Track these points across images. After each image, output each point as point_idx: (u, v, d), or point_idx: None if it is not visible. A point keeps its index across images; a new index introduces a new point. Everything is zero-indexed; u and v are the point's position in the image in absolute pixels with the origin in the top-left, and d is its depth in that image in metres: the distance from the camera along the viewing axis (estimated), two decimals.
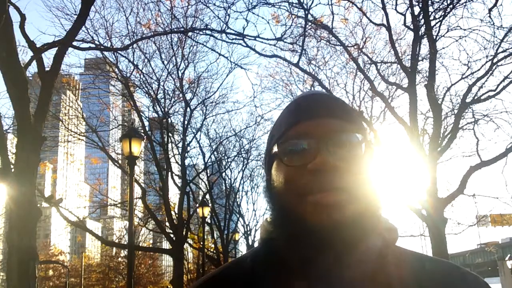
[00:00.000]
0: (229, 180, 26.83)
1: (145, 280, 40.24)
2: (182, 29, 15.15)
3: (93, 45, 14.44)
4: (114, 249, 39.38)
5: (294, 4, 12.26)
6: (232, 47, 37.68)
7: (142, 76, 18.07)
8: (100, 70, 18.79)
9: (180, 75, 18.58)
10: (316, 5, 12.36)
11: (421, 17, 11.18)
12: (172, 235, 17.02)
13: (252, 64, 60.45)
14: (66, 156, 23.14)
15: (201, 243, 18.55)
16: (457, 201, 11.76)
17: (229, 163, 25.90)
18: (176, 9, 14.95)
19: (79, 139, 18.13)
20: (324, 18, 12.72)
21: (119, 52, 16.13)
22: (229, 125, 30.77)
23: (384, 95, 13.20)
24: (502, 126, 11.64)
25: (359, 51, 13.44)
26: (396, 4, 11.48)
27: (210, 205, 19.13)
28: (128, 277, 9.03)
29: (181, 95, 19.01)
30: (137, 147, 8.75)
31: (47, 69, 8.22)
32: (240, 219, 29.91)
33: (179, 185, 19.49)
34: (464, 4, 11.13)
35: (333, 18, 12.17)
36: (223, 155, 24.90)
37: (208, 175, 24.52)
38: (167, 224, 18.59)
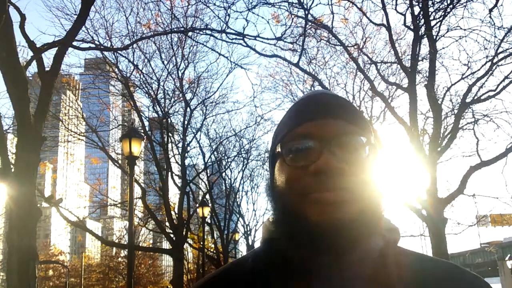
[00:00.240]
0: (229, 180, 26.89)
1: (145, 280, 40.25)
2: (182, 29, 15.15)
3: (93, 45, 14.45)
4: (114, 249, 39.41)
5: (294, 4, 12.27)
6: (232, 47, 37.77)
7: (142, 76, 18.11)
8: (100, 70, 18.79)
9: (180, 75, 18.62)
10: (316, 5, 12.38)
11: (421, 17, 11.18)
12: (172, 235, 17.02)
13: (252, 64, 60.64)
14: (66, 156, 23.14)
15: (201, 243, 18.56)
16: (457, 201, 11.75)
17: (229, 163, 25.96)
18: (176, 9, 15.00)
19: (79, 139, 18.14)
20: (324, 18, 12.74)
21: (119, 52, 16.14)
22: (229, 125, 30.78)
23: (384, 95, 13.21)
24: (502, 126, 11.65)
25: (359, 51, 13.45)
26: (396, 4, 11.50)
27: (210, 205, 19.14)
28: (128, 277, 9.03)
29: (181, 95, 19.04)
30: (137, 147, 8.75)
31: (47, 69, 8.22)
32: (240, 219, 29.94)
33: (179, 185, 19.49)
34: (464, 4, 11.15)
35: (333, 18, 12.21)
36: (223, 155, 24.94)
37: (208, 175, 24.52)
38: (167, 224, 18.59)
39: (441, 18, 11.28)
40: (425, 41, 11.25)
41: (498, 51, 10.91)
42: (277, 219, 0.83)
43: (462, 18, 11.50)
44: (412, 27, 11.27)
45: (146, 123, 19.34)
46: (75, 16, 10.16)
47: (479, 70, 11.32)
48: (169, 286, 32.66)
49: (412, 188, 11.59)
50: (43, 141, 7.52)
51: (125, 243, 22.38)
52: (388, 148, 13.40)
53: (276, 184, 0.82)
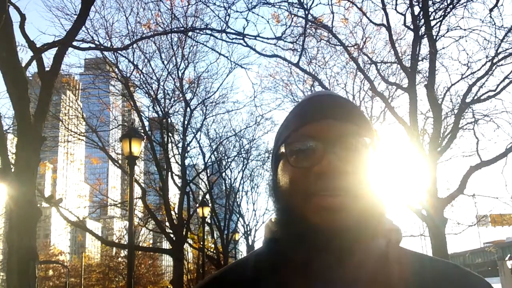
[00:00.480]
0: (229, 180, 26.89)
1: (145, 280, 40.23)
2: (182, 28, 15.14)
3: (93, 45, 14.44)
4: (114, 249, 39.40)
5: (294, 4, 12.27)
6: (232, 47, 37.71)
7: (142, 76, 18.10)
8: (100, 70, 18.79)
9: (180, 75, 18.61)
10: (316, 5, 12.35)
11: (421, 17, 11.17)
12: (172, 235, 17.02)
13: (252, 64, 60.33)
14: (66, 156, 23.09)
15: (201, 243, 18.55)
16: (457, 201, 11.77)
17: (229, 163, 25.96)
18: (176, 8, 14.93)
19: (79, 139, 18.13)
20: (324, 18, 12.73)
21: (119, 52, 16.13)
22: (229, 125, 30.73)
23: (384, 95, 13.21)
24: (502, 126, 11.67)
25: (359, 51, 13.45)
26: (396, 4, 11.49)
27: (210, 205, 19.13)
28: (128, 277, 9.04)
29: (181, 95, 19.03)
30: (137, 147, 8.76)
31: (47, 69, 8.21)
32: (240, 219, 29.94)
33: (179, 185, 19.49)
34: (464, 4, 11.15)
35: (333, 18, 12.21)
36: (223, 155, 24.95)
37: (208, 175, 24.52)
38: (167, 224, 18.58)
39: (441, 18, 11.28)
40: (425, 41, 11.24)
41: (498, 51, 10.93)
42: (279, 219, 0.83)
43: (462, 18, 11.53)
44: (412, 27, 11.27)
45: (146, 123, 19.35)
46: (75, 16, 10.16)
47: (479, 70, 11.35)
48: (169, 286, 32.67)
49: (412, 188, 11.60)
50: (43, 141, 7.52)
51: (125, 243, 22.40)
52: (388, 148, 13.40)
53: (279, 184, 0.82)
